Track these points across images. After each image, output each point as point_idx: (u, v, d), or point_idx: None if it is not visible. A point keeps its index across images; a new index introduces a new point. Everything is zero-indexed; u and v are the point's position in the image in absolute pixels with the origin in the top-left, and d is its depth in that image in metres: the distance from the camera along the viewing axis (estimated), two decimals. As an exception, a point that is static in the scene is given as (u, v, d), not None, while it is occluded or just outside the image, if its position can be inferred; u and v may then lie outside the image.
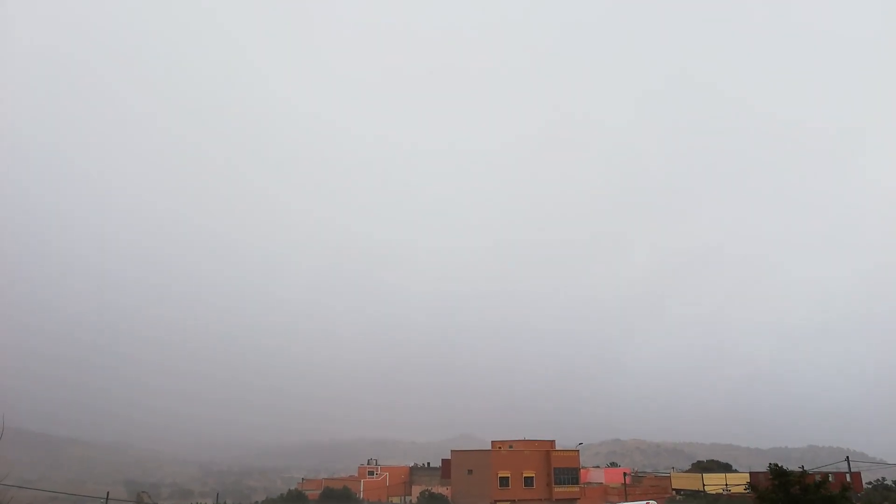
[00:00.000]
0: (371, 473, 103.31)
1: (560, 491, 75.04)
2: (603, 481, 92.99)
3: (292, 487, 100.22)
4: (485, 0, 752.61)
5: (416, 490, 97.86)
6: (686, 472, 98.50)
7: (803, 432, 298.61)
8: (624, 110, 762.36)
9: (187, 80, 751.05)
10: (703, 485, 78.96)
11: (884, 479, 79.84)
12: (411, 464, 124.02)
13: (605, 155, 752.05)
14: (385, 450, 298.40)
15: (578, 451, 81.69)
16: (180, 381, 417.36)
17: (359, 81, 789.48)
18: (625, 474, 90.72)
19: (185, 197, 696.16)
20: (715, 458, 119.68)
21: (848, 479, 58.64)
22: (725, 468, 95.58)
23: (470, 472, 77.39)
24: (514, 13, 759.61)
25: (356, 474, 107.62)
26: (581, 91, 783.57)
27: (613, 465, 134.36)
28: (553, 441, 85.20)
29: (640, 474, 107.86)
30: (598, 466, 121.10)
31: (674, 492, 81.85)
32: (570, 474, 76.20)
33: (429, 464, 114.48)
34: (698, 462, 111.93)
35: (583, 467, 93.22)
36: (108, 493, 53.09)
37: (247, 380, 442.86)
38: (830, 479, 51.16)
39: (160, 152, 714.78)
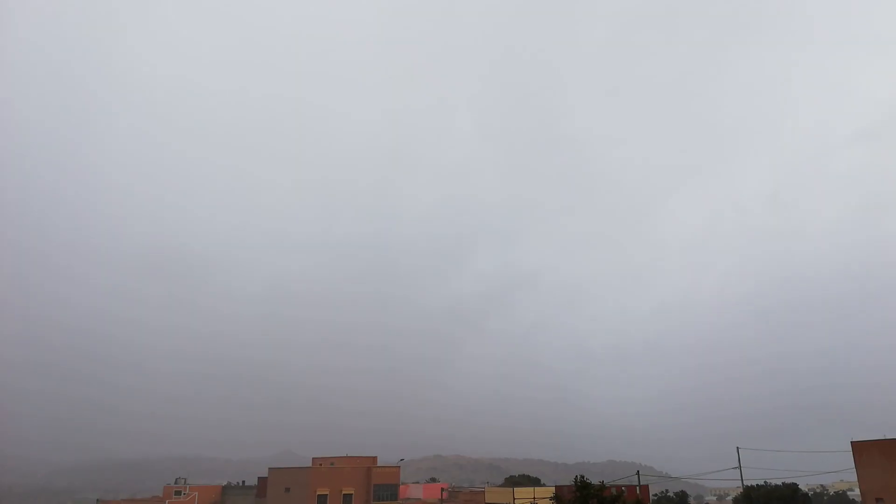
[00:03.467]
0: (178, 493, 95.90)
1: (378, 507, 74.91)
2: (421, 496, 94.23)
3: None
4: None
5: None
6: (499, 486, 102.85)
7: (603, 449, 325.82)
8: (464, 135, 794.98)
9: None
10: (514, 498, 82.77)
11: (667, 490, 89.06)
12: (225, 482, 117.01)
13: (446, 174, 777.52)
14: (199, 468, 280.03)
15: (399, 467, 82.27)
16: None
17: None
18: (442, 489, 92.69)
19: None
20: (526, 473, 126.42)
21: (637, 491, 64.79)
22: (535, 482, 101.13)
23: (287, 490, 74.76)
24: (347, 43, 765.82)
25: (161, 495, 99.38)
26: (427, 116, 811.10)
27: (433, 480, 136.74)
28: (375, 457, 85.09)
29: (457, 489, 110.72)
30: (418, 482, 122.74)
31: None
32: (389, 490, 76.41)
33: (244, 482, 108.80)
34: (511, 477, 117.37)
35: (403, 483, 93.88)
36: None
37: (35, 387, 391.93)
38: (624, 491, 56.13)
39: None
